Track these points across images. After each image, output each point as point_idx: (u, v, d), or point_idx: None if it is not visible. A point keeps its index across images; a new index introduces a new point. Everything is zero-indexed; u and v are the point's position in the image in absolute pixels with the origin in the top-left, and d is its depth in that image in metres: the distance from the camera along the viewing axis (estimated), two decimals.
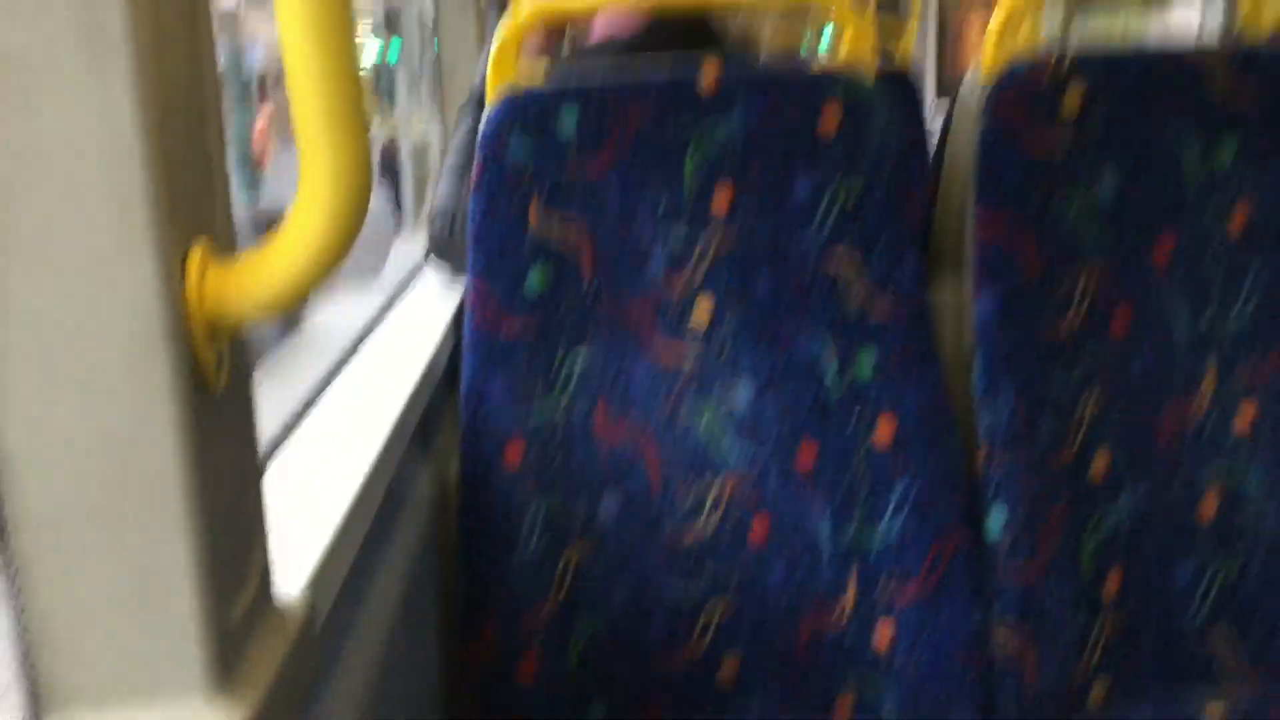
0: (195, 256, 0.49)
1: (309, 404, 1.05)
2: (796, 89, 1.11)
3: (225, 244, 0.53)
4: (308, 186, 0.50)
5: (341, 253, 0.50)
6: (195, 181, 0.51)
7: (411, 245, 1.79)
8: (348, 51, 0.49)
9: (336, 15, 0.48)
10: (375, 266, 1.79)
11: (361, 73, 0.51)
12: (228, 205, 0.55)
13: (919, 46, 5.33)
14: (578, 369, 1.12)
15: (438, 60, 1.93)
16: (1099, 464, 1.19)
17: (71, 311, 0.47)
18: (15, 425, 0.47)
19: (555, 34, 1.52)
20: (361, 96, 0.50)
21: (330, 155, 0.49)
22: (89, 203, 0.46)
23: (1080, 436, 1.19)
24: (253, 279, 0.50)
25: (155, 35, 0.47)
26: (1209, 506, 1.21)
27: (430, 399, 1.15)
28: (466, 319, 1.11)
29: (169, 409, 0.48)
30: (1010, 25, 1.22)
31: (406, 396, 1.04)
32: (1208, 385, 1.20)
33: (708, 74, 1.09)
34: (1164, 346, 1.20)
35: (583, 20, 1.36)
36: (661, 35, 1.22)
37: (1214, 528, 1.21)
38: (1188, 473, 1.20)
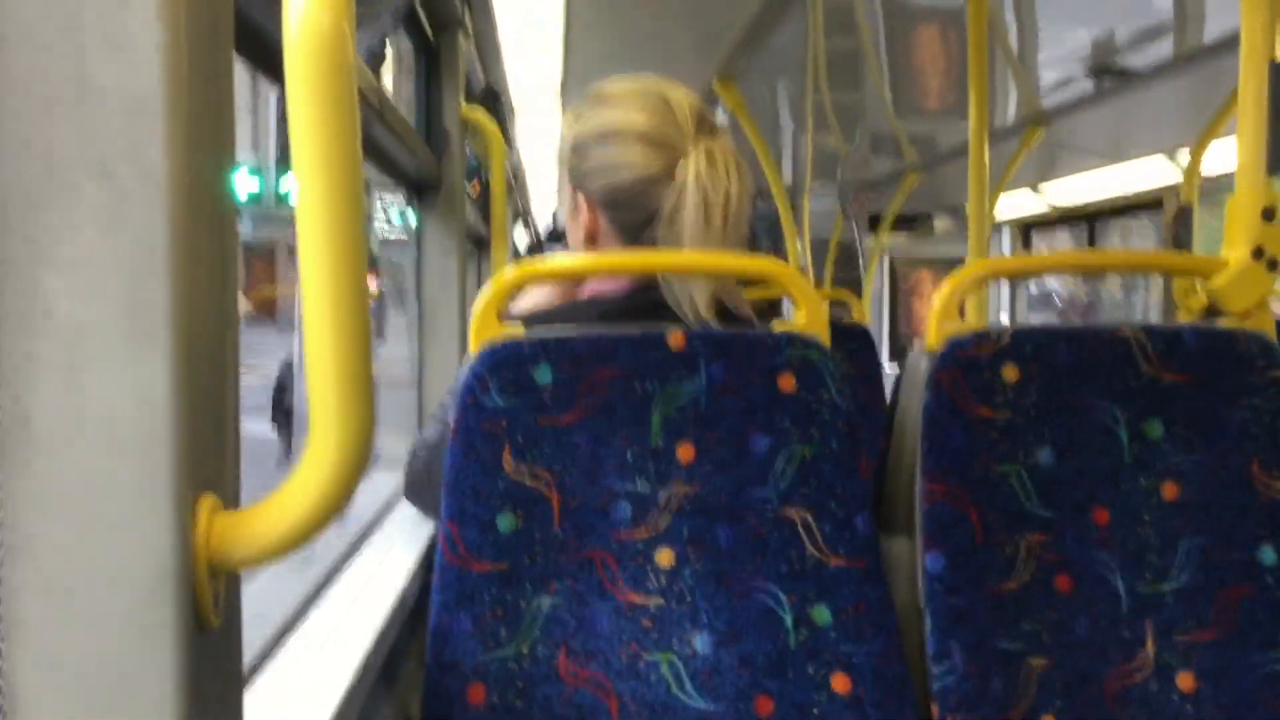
0: (205, 507, 0.54)
1: (279, 637, 1.08)
2: (756, 352, 1.19)
3: (231, 496, 0.59)
4: (314, 445, 0.55)
5: (338, 507, 0.56)
6: (212, 440, 0.56)
7: (386, 480, 1.84)
8: (361, 322, 0.56)
9: (354, 289, 0.55)
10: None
11: (370, 343, 0.58)
12: (237, 461, 0.61)
13: (874, 312, 5.59)
14: (543, 612, 1.15)
15: (419, 302, 2.03)
16: None
17: (90, 552, 0.51)
18: (24, 656, 0.51)
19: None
20: (369, 364, 0.56)
21: (338, 420, 0.55)
22: (119, 458, 0.52)
23: (1029, 697, 1.22)
24: (255, 528, 0.55)
25: (192, 311, 0.53)
26: None
27: (397, 634, 1.18)
28: (437, 558, 1.15)
29: (169, 646, 0.52)
30: (952, 302, 1.33)
31: (375, 631, 1.07)
32: (1148, 650, 1.25)
33: (675, 338, 1.18)
34: (1105, 611, 1.25)
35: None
36: (647, 299, 1.29)
37: None
38: None
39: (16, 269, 0.51)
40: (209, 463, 0.56)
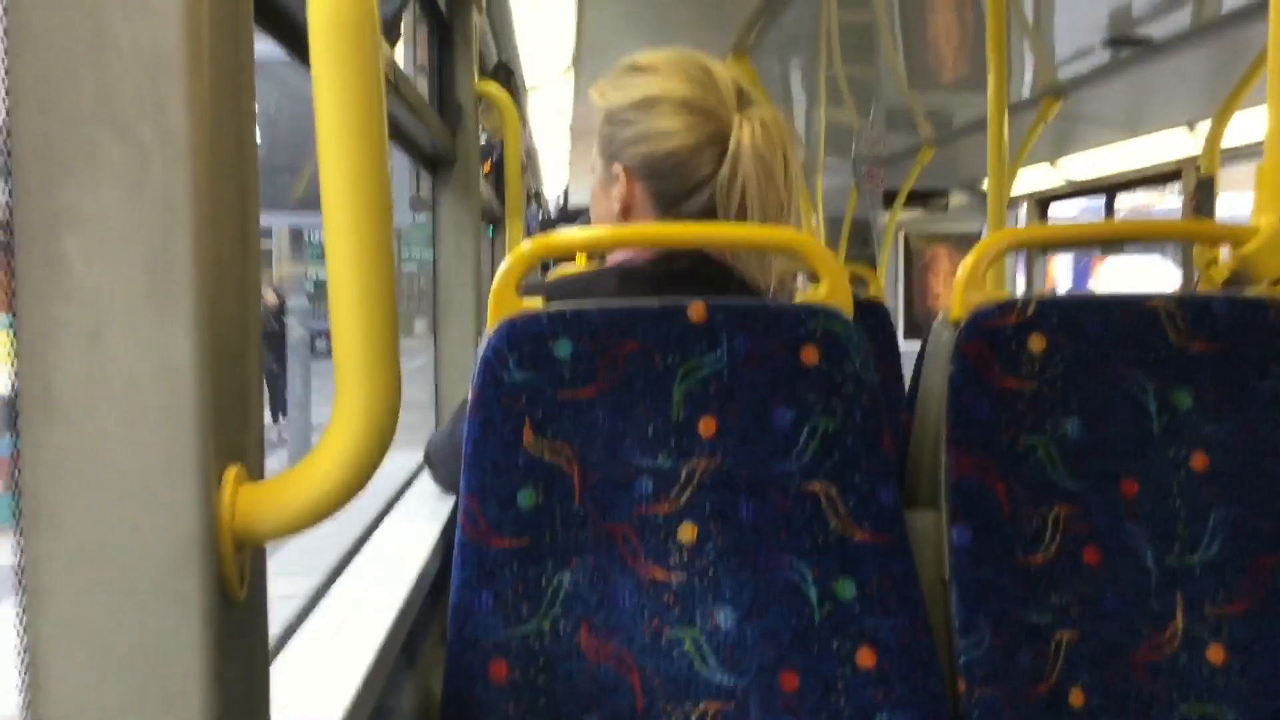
0: (230, 478, 0.53)
1: (302, 615, 1.07)
2: (779, 324, 1.17)
3: (255, 467, 0.58)
4: (339, 417, 0.54)
5: (363, 480, 0.55)
6: (235, 409, 0.55)
7: (407, 455, 1.84)
8: (388, 298, 0.55)
9: (380, 265, 0.54)
10: None
11: (396, 314, 0.57)
12: (260, 431, 0.60)
13: (889, 288, 5.56)
14: (564, 587, 1.14)
15: (434, 276, 2.02)
16: (1075, 698, 1.20)
17: (115, 522, 0.51)
18: (48, 625, 0.51)
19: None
20: (396, 344, 0.55)
21: (363, 392, 0.54)
22: (142, 425, 0.50)
23: (1057, 671, 1.21)
24: (280, 500, 0.54)
25: (214, 276, 0.52)
26: None
27: (418, 611, 1.17)
28: (458, 533, 1.15)
29: (195, 618, 0.51)
30: (976, 274, 1.31)
31: (397, 608, 1.06)
32: (1178, 622, 1.23)
33: (695, 310, 1.16)
34: (1134, 583, 1.24)
35: None
36: (673, 267, 1.29)
37: None
38: (1164, 708, 1.22)
39: (37, 231, 0.50)
40: (233, 432, 0.55)
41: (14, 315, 0.50)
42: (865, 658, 1.15)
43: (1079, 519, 1.23)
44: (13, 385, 0.50)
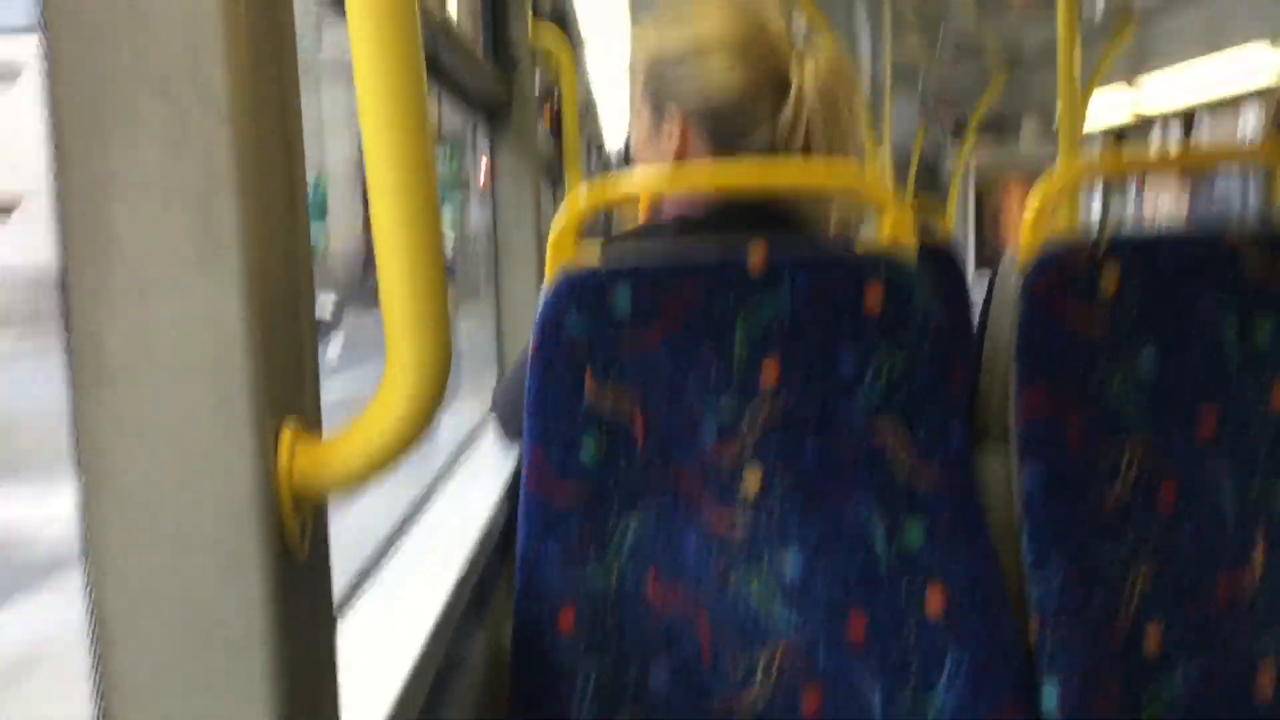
0: (286, 434, 0.53)
1: (374, 562, 1.09)
2: (840, 269, 1.15)
3: (312, 423, 0.58)
4: (392, 371, 0.54)
5: (421, 433, 0.55)
6: (288, 365, 0.55)
7: (471, 406, 1.85)
8: (435, 246, 0.54)
9: (426, 214, 0.53)
10: None
11: (443, 264, 0.56)
12: (316, 387, 0.60)
13: (959, 222, 5.46)
14: (630, 536, 1.14)
15: (493, 229, 2.02)
16: (1152, 637, 1.18)
17: (173, 481, 0.51)
18: (113, 588, 0.51)
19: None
20: (444, 291, 0.55)
21: (414, 344, 0.53)
22: (194, 383, 0.51)
23: (1132, 609, 1.19)
24: (338, 456, 0.54)
25: (260, 233, 0.52)
26: (1265, 680, 1.19)
27: (486, 563, 1.18)
28: (522, 485, 1.15)
29: (256, 576, 0.52)
30: (1046, 208, 1.27)
31: (464, 561, 1.07)
32: (1258, 558, 1.20)
33: (756, 254, 1.14)
34: (1212, 520, 1.21)
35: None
36: (729, 214, 1.27)
37: (1272, 702, 1.19)
38: (1242, 646, 1.19)
39: (81, 194, 0.50)
40: (289, 388, 0.55)
41: (62, 278, 0.50)
42: (934, 601, 1.14)
43: (1154, 455, 1.20)
44: (66, 347, 0.50)
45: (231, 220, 0.50)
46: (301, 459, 0.54)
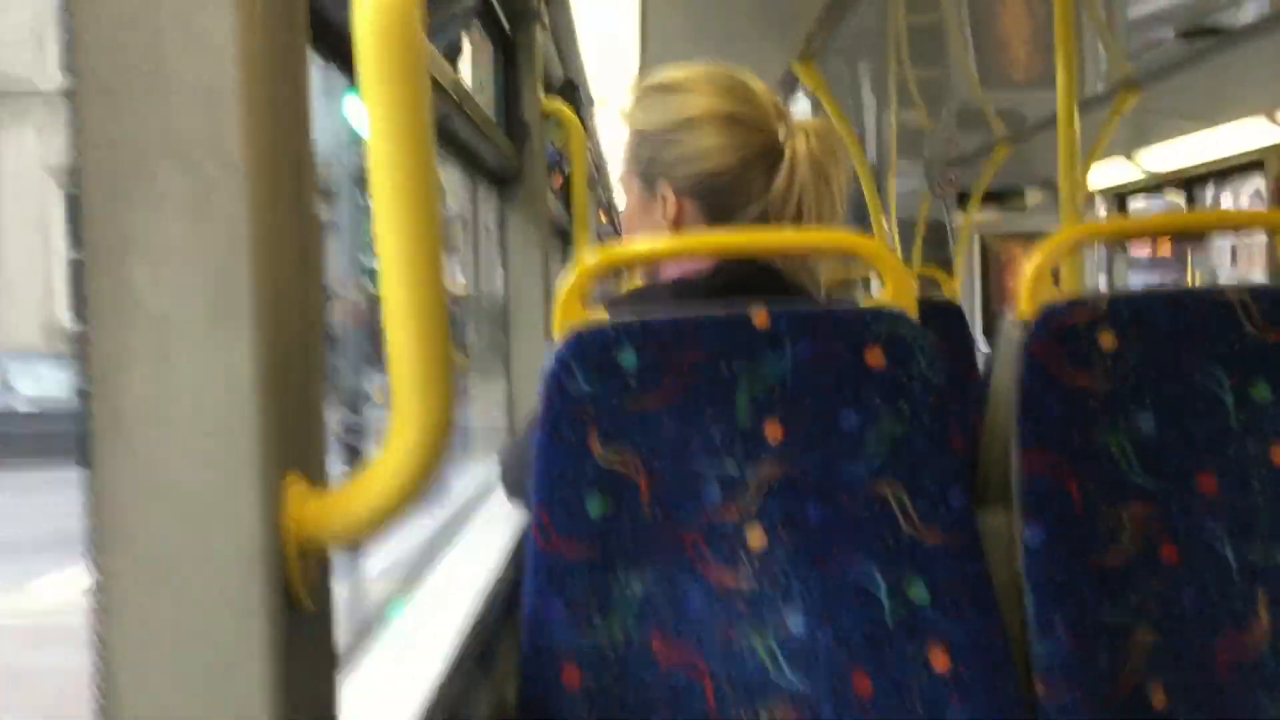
0: (294, 488, 0.55)
1: (378, 619, 1.10)
2: (843, 327, 1.17)
3: (319, 476, 0.60)
4: (397, 427, 0.56)
5: (425, 487, 0.56)
6: (298, 421, 0.57)
7: (480, 467, 1.86)
8: (439, 307, 0.56)
9: (431, 276, 0.56)
10: None
11: (447, 321, 0.58)
12: (323, 441, 0.61)
13: (965, 289, 5.49)
14: (636, 596, 1.15)
15: (505, 290, 2.05)
16: (1157, 697, 1.18)
17: (184, 536, 0.52)
18: (121, 635, 0.53)
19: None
20: (448, 349, 0.57)
21: (418, 400, 0.55)
22: (207, 439, 0.52)
23: (1137, 670, 1.19)
24: (343, 509, 0.56)
25: (275, 296, 0.54)
26: None
27: (493, 622, 1.19)
28: (528, 543, 1.16)
29: (262, 626, 0.53)
30: (1045, 269, 1.30)
31: (471, 618, 1.08)
32: (1262, 618, 1.20)
33: (759, 314, 1.16)
34: (1215, 578, 1.21)
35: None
36: (726, 278, 1.29)
37: None
38: (1248, 707, 1.19)
39: (106, 260, 0.52)
40: (296, 445, 0.57)
41: (84, 340, 0.52)
42: (939, 660, 1.14)
43: (1155, 517, 1.21)
44: (83, 407, 0.52)
45: (247, 284, 0.52)
46: (307, 512, 0.55)
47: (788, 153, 1.28)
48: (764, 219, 1.30)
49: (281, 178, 0.56)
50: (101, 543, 0.52)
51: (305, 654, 0.57)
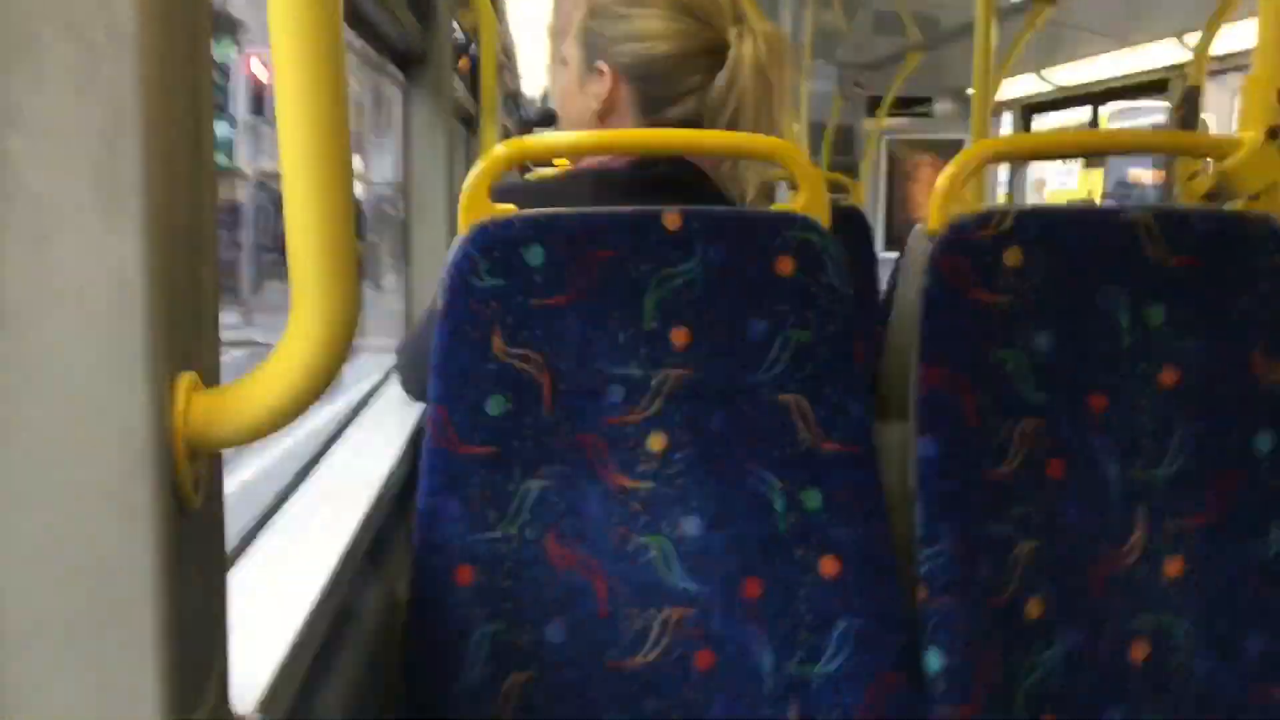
0: (183, 384, 0.52)
1: (269, 512, 1.07)
2: (755, 233, 1.16)
3: (211, 374, 0.57)
4: (296, 322, 0.53)
5: (322, 385, 0.54)
6: (189, 315, 0.54)
7: (374, 359, 1.83)
8: (343, 196, 0.53)
9: (335, 160, 0.53)
10: None
11: (353, 213, 0.55)
12: (216, 338, 0.58)
13: (870, 196, 5.53)
14: (532, 496, 1.15)
15: (405, 178, 1.99)
16: (1033, 608, 1.22)
17: (66, 428, 0.49)
18: (3, 540, 0.50)
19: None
20: (353, 239, 0.54)
21: (320, 295, 0.52)
22: (91, 331, 0.49)
23: (1016, 581, 1.23)
24: (235, 407, 0.53)
25: (165, 179, 0.51)
26: (1139, 653, 1.24)
27: (385, 516, 1.18)
28: (425, 441, 1.14)
29: (148, 526, 0.51)
30: (955, 185, 1.30)
31: (362, 514, 1.06)
32: (1138, 535, 1.25)
33: (671, 216, 1.15)
34: (1096, 496, 1.25)
35: None
36: (649, 171, 1.27)
37: (1145, 675, 1.24)
38: (1120, 619, 1.24)
39: None
40: (186, 338, 0.54)
41: None
42: (828, 566, 1.17)
43: (1045, 433, 1.24)
44: None
45: (136, 164, 0.49)
46: (198, 410, 0.53)
47: (732, 54, 1.26)
48: (697, 118, 1.28)
49: (175, 52, 0.52)
50: None
51: (193, 553, 0.55)
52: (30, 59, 0.48)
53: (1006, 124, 5.49)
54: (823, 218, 1.19)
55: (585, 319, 1.14)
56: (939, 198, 1.29)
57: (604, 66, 1.29)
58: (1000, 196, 5.66)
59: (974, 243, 1.22)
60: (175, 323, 0.52)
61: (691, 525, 1.16)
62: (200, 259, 0.55)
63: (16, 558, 0.50)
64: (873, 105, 5.13)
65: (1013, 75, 4.44)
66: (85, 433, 0.50)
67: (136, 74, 0.48)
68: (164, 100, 0.50)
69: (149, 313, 0.49)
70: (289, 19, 0.51)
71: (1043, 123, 5.38)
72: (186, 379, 0.53)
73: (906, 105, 5.83)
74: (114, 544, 0.50)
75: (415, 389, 1.44)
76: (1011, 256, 1.23)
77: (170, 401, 0.51)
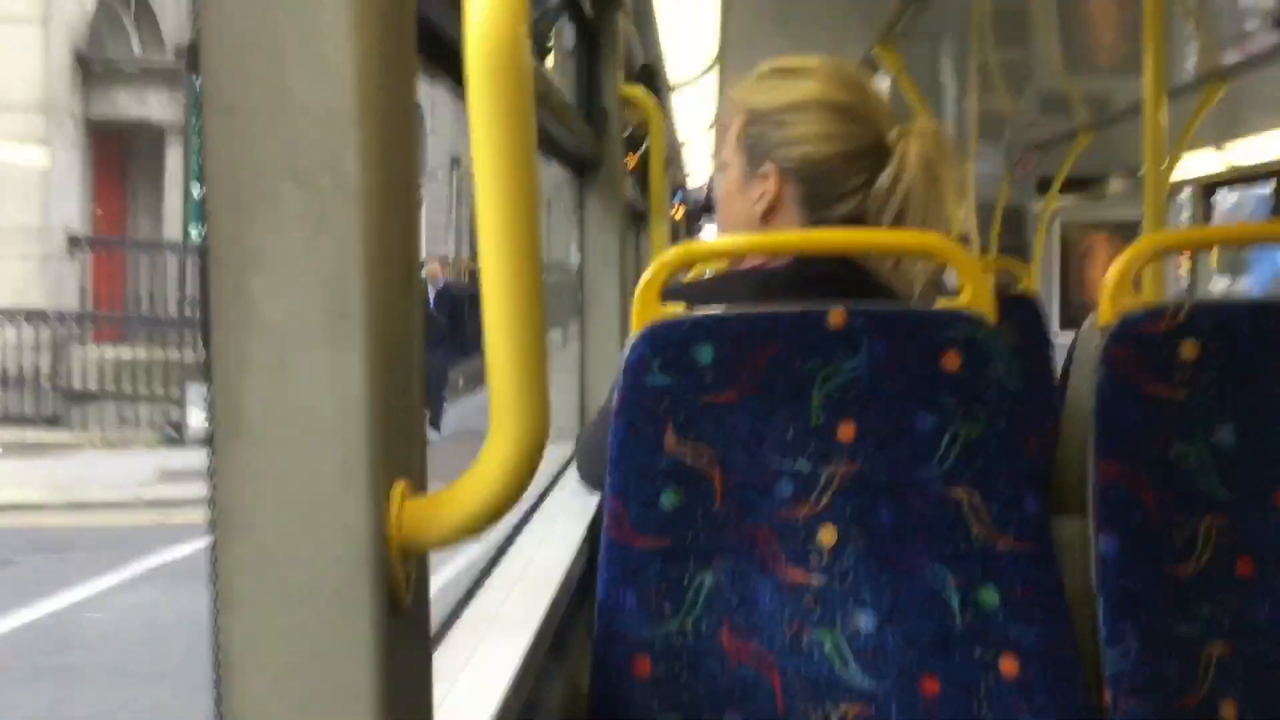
0: (398, 491, 0.58)
1: (460, 604, 1.13)
2: (919, 329, 1.18)
3: (420, 480, 0.62)
4: (495, 434, 0.58)
5: (519, 491, 0.59)
6: (402, 427, 0.60)
7: (551, 446, 1.89)
8: (537, 315, 0.58)
9: (531, 284, 0.58)
10: None
11: (545, 332, 0.60)
12: (424, 447, 0.64)
13: (1044, 279, 5.41)
14: (706, 587, 1.17)
15: (581, 276, 2.07)
16: (1227, 712, 1.18)
17: (297, 532, 0.56)
18: (239, 627, 0.56)
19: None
20: (545, 360, 0.59)
21: (516, 410, 0.58)
22: (320, 443, 0.55)
23: (1208, 682, 1.18)
24: (442, 512, 0.59)
25: (382, 308, 0.57)
26: None
27: (566, 609, 1.22)
28: (603, 533, 1.19)
29: (366, 622, 0.56)
30: (1127, 276, 1.29)
31: (546, 604, 1.11)
32: None
33: (835, 313, 1.17)
34: None
35: None
36: (813, 270, 1.31)
37: None
38: None
39: (228, 273, 0.55)
40: (401, 450, 0.59)
41: (208, 348, 0.55)
42: (1008, 666, 1.15)
43: (1231, 530, 1.20)
44: (208, 410, 0.55)
45: (359, 296, 0.55)
46: (409, 515, 0.58)
47: (897, 153, 1.30)
48: (861, 215, 1.31)
49: (391, 196, 0.58)
50: (222, 536, 0.56)
51: (403, 646, 0.61)
52: (269, 207, 0.55)
53: (1186, 202, 5.32)
54: (988, 311, 1.19)
55: (754, 415, 1.17)
56: (1109, 290, 1.28)
57: (769, 169, 1.34)
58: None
59: (1148, 336, 1.21)
60: (392, 434, 0.58)
61: (865, 620, 1.17)
62: (410, 376, 0.61)
63: (253, 647, 0.56)
64: (1043, 185, 5.04)
65: (1191, 150, 4.31)
66: (313, 535, 0.56)
67: (360, 218, 0.55)
68: (382, 238, 0.57)
69: (370, 426, 0.55)
70: (490, 152, 0.56)
71: (1228, 199, 5.19)
72: (400, 486, 0.58)
73: (1080, 185, 5.72)
74: (336, 636, 0.56)
75: (592, 479, 1.49)
76: (1188, 349, 1.21)
77: (387, 508, 0.57)
